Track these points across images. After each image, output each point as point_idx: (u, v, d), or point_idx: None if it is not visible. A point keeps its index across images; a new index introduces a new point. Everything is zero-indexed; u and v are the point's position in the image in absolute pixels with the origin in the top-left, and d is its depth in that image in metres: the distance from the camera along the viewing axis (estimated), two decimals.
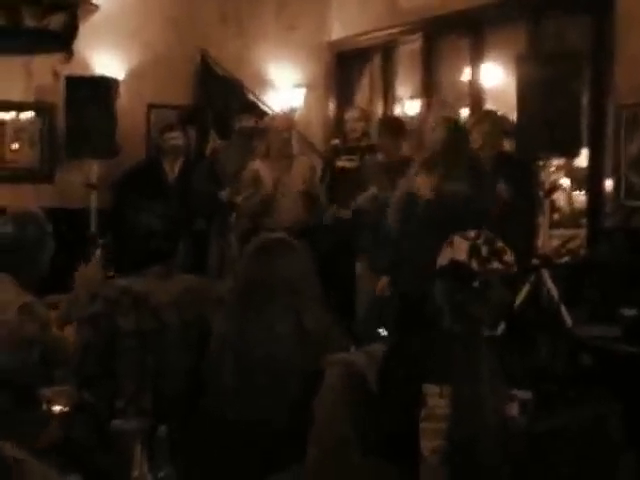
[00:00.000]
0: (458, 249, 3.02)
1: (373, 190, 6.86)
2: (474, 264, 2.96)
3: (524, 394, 3.06)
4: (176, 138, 7.86)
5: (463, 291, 2.96)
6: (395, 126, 7.16)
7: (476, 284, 2.94)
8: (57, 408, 3.13)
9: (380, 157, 7.09)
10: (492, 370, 2.85)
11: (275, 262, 3.34)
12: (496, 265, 2.98)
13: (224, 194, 7.36)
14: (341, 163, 7.79)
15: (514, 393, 3.02)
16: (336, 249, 7.25)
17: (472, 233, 3.06)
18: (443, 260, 3.05)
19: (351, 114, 8.29)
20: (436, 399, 2.82)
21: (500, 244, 3.04)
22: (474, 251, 2.99)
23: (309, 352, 3.23)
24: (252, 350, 3.23)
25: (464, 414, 2.76)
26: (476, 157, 6.06)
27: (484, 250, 2.99)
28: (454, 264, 2.99)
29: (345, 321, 6.75)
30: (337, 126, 9.47)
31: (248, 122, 8.00)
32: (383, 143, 7.08)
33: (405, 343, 3.09)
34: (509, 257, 3.03)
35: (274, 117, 8.02)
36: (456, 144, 5.90)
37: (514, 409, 2.96)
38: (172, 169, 7.81)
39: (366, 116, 8.20)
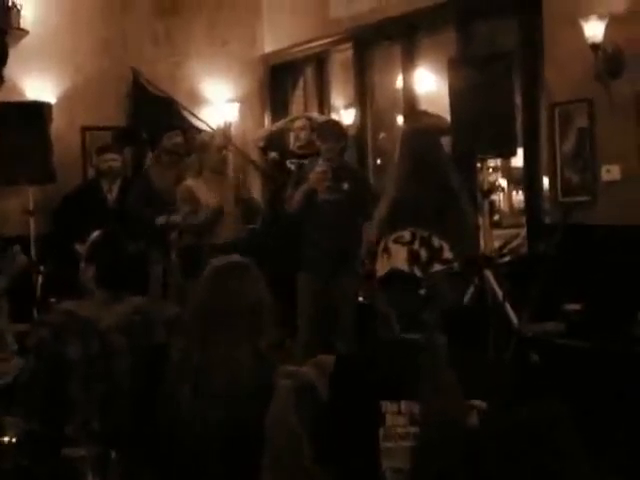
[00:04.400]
0: (396, 256, 2.90)
1: (304, 187, 6.76)
2: (417, 271, 2.86)
3: (481, 404, 3.01)
4: (113, 160, 7.80)
5: (410, 300, 2.88)
6: (336, 130, 7.05)
7: (422, 291, 2.86)
8: (5, 439, 3.08)
9: (320, 162, 6.93)
10: (451, 379, 2.82)
11: (233, 287, 3.28)
12: (438, 267, 2.89)
13: (160, 220, 7.26)
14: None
15: (472, 403, 2.97)
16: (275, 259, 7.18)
17: (406, 235, 2.94)
18: (382, 270, 2.93)
19: (298, 123, 8.30)
20: (395, 417, 2.79)
21: (436, 241, 2.93)
22: (414, 257, 2.88)
23: (266, 375, 3.19)
24: (211, 377, 3.19)
25: (427, 429, 2.73)
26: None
27: (423, 254, 2.88)
28: (396, 273, 2.89)
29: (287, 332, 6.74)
30: (276, 139, 9.46)
31: (175, 139, 7.91)
32: (322, 147, 6.93)
33: (357, 353, 3.04)
34: (447, 253, 2.93)
35: (212, 135, 7.97)
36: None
37: (473, 419, 2.91)
38: (111, 191, 7.75)
39: (312, 126, 8.18)
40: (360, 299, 7.08)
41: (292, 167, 7.93)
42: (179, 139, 7.90)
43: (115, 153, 7.92)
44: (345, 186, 6.75)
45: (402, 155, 5.78)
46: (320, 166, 6.72)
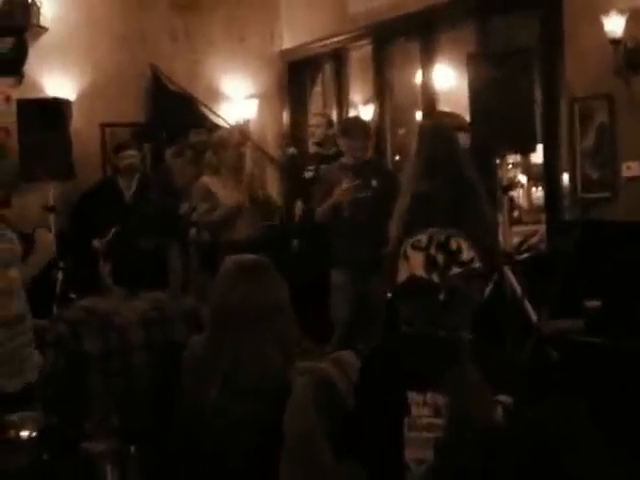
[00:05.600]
0: (414, 263, 2.90)
1: (331, 201, 6.64)
2: (435, 277, 2.85)
3: (506, 399, 3.01)
4: (130, 157, 7.80)
5: (430, 306, 2.88)
6: (363, 127, 6.95)
7: (442, 296, 2.85)
8: (25, 433, 3.09)
9: (344, 159, 6.85)
10: (477, 376, 2.82)
11: (252, 286, 3.27)
12: (456, 270, 2.87)
13: (184, 207, 7.31)
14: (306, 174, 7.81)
15: (497, 398, 2.97)
16: (307, 258, 7.14)
17: (424, 239, 2.92)
18: (402, 275, 2.94)
19: (314, 119, 8.30)
20: (420, 408, 2.79)
21: (454, 243, 2.91)
22: (431, 263, 2.87)
23: (289, 372, 3.19)
24: (239, 375, 3.18)
25: (451, 422, 2.74)
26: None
27: (440, 259, 2.87)
28: (414, 280, 2.89)
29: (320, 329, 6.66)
30: (292, 135, 9.51)
31: (200, 136, 7.95)
32: (347, 144, 6.79)
33: (387, 348, 3.05)
34: (467, 254, 2.91)
35: (230, 132, 7.97)
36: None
37: (499, 415, 2.91)
38: (128, 187, 7.74)
39: (328, 122, 8.16)
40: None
41: (310, 175, 7.83)
42: (205, 137, 7.93)
43: (133, 150, 7.92)
44: (374, 183, 6.65)
45: (420, 150, 5.75)
46: (347, 182, 6.59)
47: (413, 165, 5.82)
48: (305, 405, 3.01)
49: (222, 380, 3.14)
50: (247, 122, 9.32)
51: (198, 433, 3.11)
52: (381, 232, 6.31)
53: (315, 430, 2.96)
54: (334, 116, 9.14)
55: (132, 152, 7.87)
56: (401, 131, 8.89)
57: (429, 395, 2.79)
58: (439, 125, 6.16)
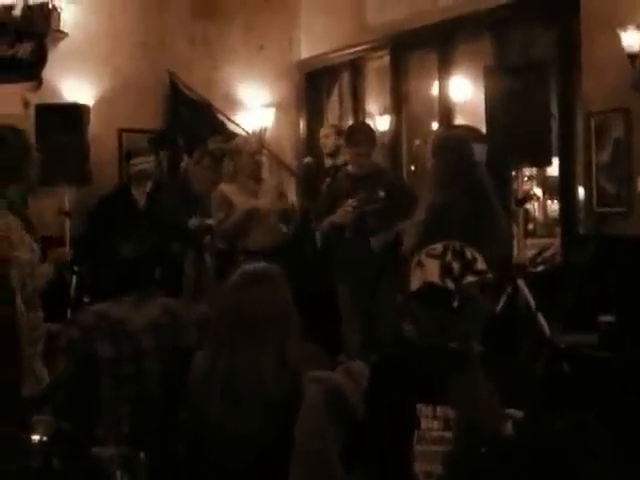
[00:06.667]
0: (429, 270, 2.92)
1: (332, 219, 6.54)
2: (449, 284, 2.88)
3: (517, 413, 3.01)
4: (143, 163, 7.71)
5: (444, 312, 2.89)
6: (364, 133, 6.79)
7: (456, 303, 2.87)
8: (36, 438, 3.10)
9: (350, 168, 6.75)
10: (488, 388, 2.83)
11: (257, 294, 3.26)
12: (471, 278, 2.90)
13: (192, 222, 7.28)
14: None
15: (508, 412, 2.98)
16: (317, 272, 7.11)
17: (439, 247, 2.95)
18: (416, 283, 2.95)
19: (324, 131, 8.30)
20: (429, 421, 2.80)
21: (469, 253, 2.95)
22: (446, 270, 2.89)
23: (291, 383, 3.19)
24: (236, 381, 3.19)
25: (461, 435, 2.74)
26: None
27: (455, 267, 2.89)
28: (429, 287, 2.91)
29: (332, 342, 6.63)
30: (309, 144, 9.52)
31: (218, 143, 7.97)
32: (351, 152, 6.68)
33: (396, 359, 3.06)
34: (481, 264, 2.94)
35: (247, 140, 7.98)
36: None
37: (508, 428, 2.91)
38: (141, 194, 7.67)
39: (338, 132, 8.13)
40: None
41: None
42: (222, 144, 7.94)
43: (146, 156, 7.83)
44: (381, 194, 6.47)
45: (435, 159, 5.75)
46: (351, 198, 6.47)
47: (429, 176, 5.82)
48: (315, 414, 3.01)
49: (221, 391, 3.14)
50: (264, 131, 9.34)
51: (202, 444, 3.11)
52: (389, 243, 6.29)
53: (325, 439, 2.97)
54: None
55: (143, 159, 7.77)
56: (417, 142, 8.89)
57: (439, 408, 2.79)
58: (452, 135, 6.16)
